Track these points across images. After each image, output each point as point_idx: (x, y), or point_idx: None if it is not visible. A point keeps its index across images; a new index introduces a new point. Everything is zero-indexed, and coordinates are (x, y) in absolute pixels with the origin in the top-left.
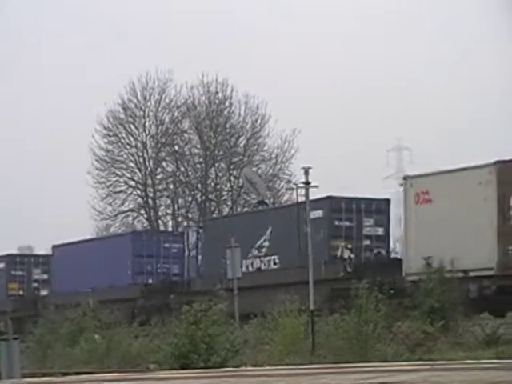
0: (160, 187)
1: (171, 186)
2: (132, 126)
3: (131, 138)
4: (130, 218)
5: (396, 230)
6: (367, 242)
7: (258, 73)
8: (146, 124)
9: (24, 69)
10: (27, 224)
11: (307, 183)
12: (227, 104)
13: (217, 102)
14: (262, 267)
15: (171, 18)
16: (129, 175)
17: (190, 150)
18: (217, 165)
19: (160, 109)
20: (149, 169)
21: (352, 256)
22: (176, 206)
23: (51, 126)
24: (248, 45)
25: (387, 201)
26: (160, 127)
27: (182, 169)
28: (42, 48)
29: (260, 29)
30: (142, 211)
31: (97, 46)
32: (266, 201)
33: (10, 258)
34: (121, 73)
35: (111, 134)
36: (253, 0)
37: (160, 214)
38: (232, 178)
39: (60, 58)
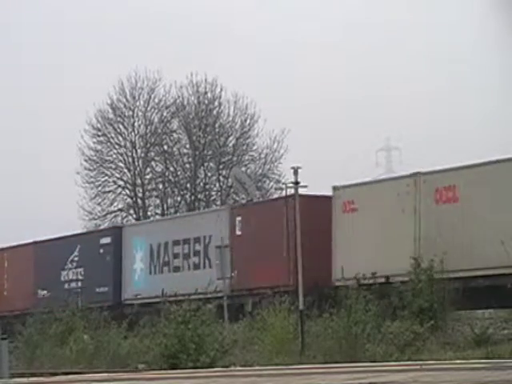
0: (149, 187)
1: (160, 186)
2: (121, 126)
3: (120, 138)
4: (119, 218)
5: None
6: None
7: (246, 72)
8: (135, 124)
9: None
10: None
11: (296, 183)
12: (216, 104)
13: (206, 101)
14: None
15: (160, 17)
16: (118, 175)
17: (179, 150)
18: (206, 164)
19: (149, 108)
20: (138, 169)
21: None
22: (165, 206)
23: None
24: (237, 44)
25: None
26: (149, 127)
27: (171, 169)
28: (22, 47)
29: (248, 28)
30: (131, 211)
31: (85, 46)
32: (255, 200)
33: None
34: (110, 72)
35: (100, 133)
36: (243, 2)
37: (149, 213)
38: (221, 178)
39: (41, 57)
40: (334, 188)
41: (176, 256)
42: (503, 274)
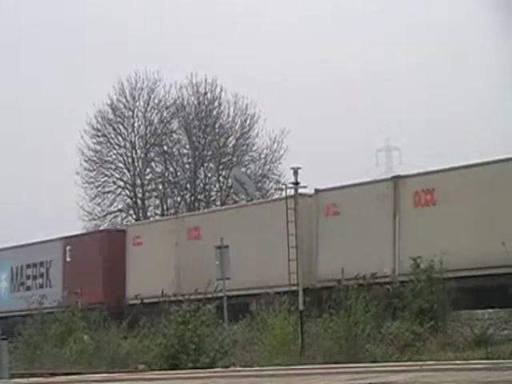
0: (149, 187)
1: (160, 187)
2: (121, 127)
3: (120, 139)
4: (119, 219)
5: None
6: None
7: (247, 72)
8: (135, 124)
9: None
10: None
11: (296, 183)
12: (216, 104)
13: (206, 102)
14: None
15: (161, 17)
16: (118, 175)
17: (179, 151)
18: (206, 165)
19: (149, 109)
20: (138, 169)
21: None
22: (165, 207)
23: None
24: (237, 44)
25: None
26: (149, 127)
27: (171, 169)
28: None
29: (250, 28)
30: (131, 211)
31: (85, 46)
32: (255, 201)
33: None
34: (110, 72)
35: (100, 134)
36: (244, 2)
37: (149, 214)
38: (221, 179)
39: (41, 57)
40: (127, 225)
41: (28, 277)
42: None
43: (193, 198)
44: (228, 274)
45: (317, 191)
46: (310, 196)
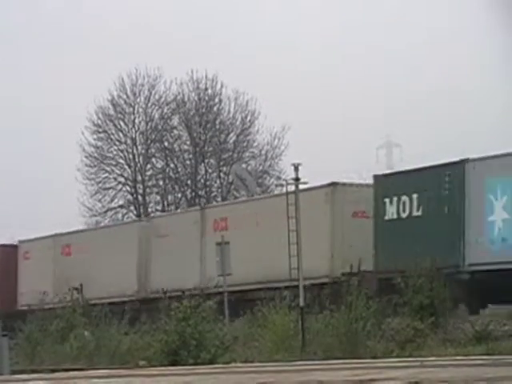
0: (150, 183)
1: (161, 183)
2: (121, 123)
3: (121, 135)
4: (120, 215)
5: None
6: None
7: (247, 69)
8: (136, 120)
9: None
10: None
11: (297, 179)
12: (217, 100)
13: (206, 98)
14: None
15: (161, 13)
16: (118, 172)
17: (180, 147)
18: (206, 161)
19: (149, 105)
20: (138, 165)
21: None
22: (166, 203)
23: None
24: (237, 41)
25: None
26: (149, 123)
27: (172, 165)
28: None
29: (249, 26)
30: (132, 208)
31: (85, 43)
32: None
33: None
34: (110, 69)
35: (101, 130)
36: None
37: (150, 210)
38: (222, 175)
39: (40, 55)
40: (20, 241)
41: None
42: None
43: (193, 194)
44: (229, 269)
45: (151, 218)
46: (147, 221)
